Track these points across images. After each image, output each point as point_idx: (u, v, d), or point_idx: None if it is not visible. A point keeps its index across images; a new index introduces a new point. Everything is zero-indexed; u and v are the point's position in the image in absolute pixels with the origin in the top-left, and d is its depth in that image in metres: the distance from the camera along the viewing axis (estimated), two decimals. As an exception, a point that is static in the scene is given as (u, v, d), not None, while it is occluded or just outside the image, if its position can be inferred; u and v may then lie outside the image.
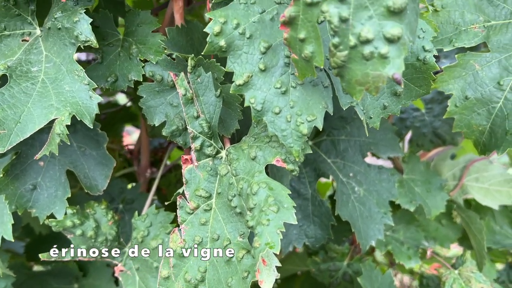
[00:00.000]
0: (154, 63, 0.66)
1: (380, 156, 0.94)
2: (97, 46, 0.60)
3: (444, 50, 0.80)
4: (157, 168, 1.03)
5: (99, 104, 0.62)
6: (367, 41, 0.43)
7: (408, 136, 1.11)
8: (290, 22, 0.47)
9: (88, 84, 0.61)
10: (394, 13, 0.43)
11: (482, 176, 1.07)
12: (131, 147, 1.09)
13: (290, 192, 0.55)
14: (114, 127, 1.13)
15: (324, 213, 0.88)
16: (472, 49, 0.80)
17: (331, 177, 0.90)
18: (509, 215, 1.13)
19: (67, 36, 0.62)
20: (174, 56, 0.67)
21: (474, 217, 1.00)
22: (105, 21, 0.71)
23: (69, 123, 0.59)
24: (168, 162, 1.10)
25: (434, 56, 0.92)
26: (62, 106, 0.61)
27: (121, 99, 1.49)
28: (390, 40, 0.43)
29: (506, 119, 0.77)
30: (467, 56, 0.79)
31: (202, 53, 0.53)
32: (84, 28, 0.60)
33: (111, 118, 1.12)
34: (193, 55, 0.62)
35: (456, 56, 0.79)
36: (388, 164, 1.11)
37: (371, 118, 0.61)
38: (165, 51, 0.65)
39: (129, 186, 1.18)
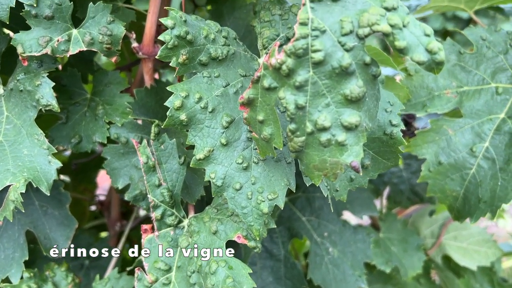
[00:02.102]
0: (120, 125, 0.65)
1: (355, 215, 0.93)
2: (59, 111, 0.59)
3: (417, 115, 0.80)
4: (127, 220, 1.00)
5: (72, 154, 0.59)
6: (324, 129, 0.42)
7: (387, 191, 1.10)
8: (249, 104, 0.46)
9: (48, 149, 0.59)
10: (352, 101, 0.42)
11: (460, 234, 1.05)
12: (102, 197, 1.06)
13: (251, 271, 0.53)
14: (87, 174, 1.11)
15: (297, 275, 0.85)
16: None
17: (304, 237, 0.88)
18: (488, 274, 1.10)
19: (29, 99, 0.60)
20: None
21: (451, 278, 0.98)
22: (72, 80, 0.69)
23: (23, 191, 0.57)
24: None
25: (409, 117, 0.92)
26: (19, 172, 0.59)
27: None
28: (348, 128, 0.42)
29: (479, 186, 0.76)
30: (440, 121, 0.78)
31: (162, 126, 0.51)
32: (45, 92, 0.59)
33: (85, 165, 1.10)
34: (157, 121, 0.60)
35: (429, 121, 0.79)
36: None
37: (337, 191, 0.59)
38: (130, 116, 0.63)
39: (103, 234, 1.15)
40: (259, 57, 0.61)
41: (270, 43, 0.60)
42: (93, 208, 1.14)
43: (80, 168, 1.06)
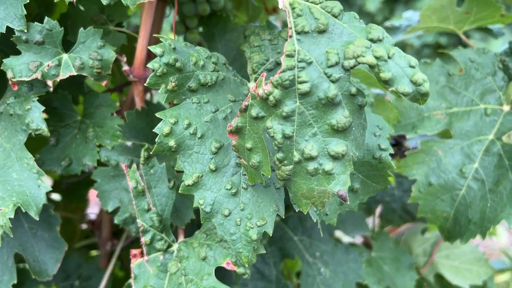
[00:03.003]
0: (110, 148, 0.65)
1: (347, 235, 0.93)
2: (49, 135, 0.59)
3: (408, 137, 0.81)
4: (118, 240, 0.99)
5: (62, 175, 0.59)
6: (311, 158, 0.42)
7: (379, 210, 1.10)
8: (237, 132, 0.47)
9: (37, 173, 0.59)
10: (338, 131, 0.42)
11: (452, 253, 1.05)
12: (93, 215, 1.05)
13: (240, 297, 0.52)
14: (78, 192, 1.10)
15: (288, 296, 0.85)
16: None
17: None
18: (481, 292, 1.10)
19: (19, 123, 0.60)
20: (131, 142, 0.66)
21: (444, 298, 0.98)
22: (63, 102, 0.70)
23: (12, 216, 0.56)
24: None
25: (400, 137, 0.93)
26: (8, 196, 0.58)
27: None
28: (335, 157, 0.43)
29: (469, 207, 0.76)
30: (430, 142, 0.79)
31: (151, 152, 0.51)
32: (35, 117, 0.59)
33: (76, 183, 1.09)
34: (146, 146, 0.60)
35: (419, 142, 0.79)
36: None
37: (327, 215, 0.59)
38: (121, 140, 0.63)
39: (93, 252, 1.14)
40: (249, 81, 0.61)
41: (259, 67, 0.60)
42: (84, 226, 1.13)
43: (71, 186, 1.06)
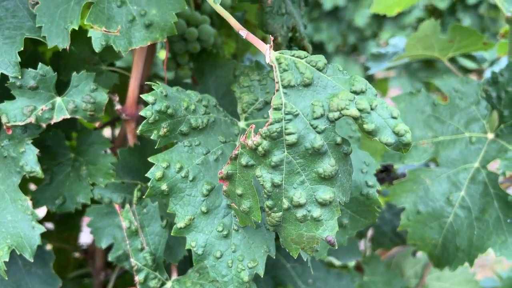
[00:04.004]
0: (103, 186, 0.66)
1: (339, 260, 0.94)
2: (43, 177, 0.60)
3: (395, 166, 0.83)
4: (112, 269, 1.00)
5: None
6: (300, 205, 0.44)
7: (370, 233, 1.11)
8: (228, 178, 0.48)
9: (31, 214, 0.60)
10: (325, 179, 0.44)
11: (443, 275, 1.06)
12: (88, 241, 1.06)
13: None
14: (71, 221, 1.10)
15: (282, 325, 0.85)
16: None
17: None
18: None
19: (13, 165, 0.61)
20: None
21: (436, 320, 0.99)
22: (56, 141, 0.71)
23: (7, 260, 0.57)
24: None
25: (389, 164, 0.95)
26: (2, 238, 0.59)
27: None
28: (323, 204, 0.44)
29: (456, 234, 0.78)
30: (417, 171, 0.81)
31: (144, 196, 0.52)
32: (29, 159, 0.60)
33: (69, 212, 1.10)
34: (139, 186, 0.62)
35: (407, 171, 0.81)
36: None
37: (317, 251, 0.60)
38: (114, 179, 0.64)
39: (87, 280, 1.14)
40: (239, 120, 0.63)
41: (249, 107, 0.62)
42: (77, 254, 1.13)
43: (64, 215, 1.06)
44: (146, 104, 0.52)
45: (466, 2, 3.38)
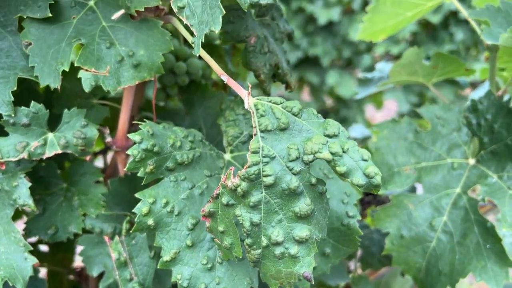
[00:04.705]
0: (94, 217, 0.68)
1: (328, 283, 0.96)
2: (35, 209, 0.62)
3: (379, 193, 0.85)
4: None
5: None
6: (278, 243, 0.46)
7: (359, 253, 1.13)
8: (210, 215, 0.50)
9: (24, 246, 0.62)
10: (302, 217, 0.46)
11: (431, 294, 1.08)
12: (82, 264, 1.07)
13: None
14: (66, 243, 1.12)
15: None
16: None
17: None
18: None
19: (6, 198, 0.63)
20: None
21: None
22: (49, 171, 0.73)
23: (-1, 291, 0.59)
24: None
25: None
26: (-5, 270, 0.61)
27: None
28: (299, 242, 0.46)
29: (439, 259, 0.80)
30: (400, 196, 0.83)
31: (131, 231, 0.55)
32: (22, 193, 0.62)
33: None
34: (128, 218, 0.64)
35: (390, 197, 0.83)
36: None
37: (297, 286, 0.63)
38: (104, 212, 0.67)
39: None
40: (225, 153, 0.65)
41: (234, 140, 0.64)
42: (71, 277, 1.15)
43: (59, 238, 1.08)
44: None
45: (458, 16, 3.43)
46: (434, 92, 1.03)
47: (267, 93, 0.66)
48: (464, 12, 0.87)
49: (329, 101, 3.99)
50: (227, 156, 0.64)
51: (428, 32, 3.58)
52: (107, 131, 0.69)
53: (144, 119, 0.57)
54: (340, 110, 3.96)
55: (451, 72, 0.99)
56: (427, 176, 0.84)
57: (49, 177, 0.73)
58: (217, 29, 0.44)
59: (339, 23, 3.78)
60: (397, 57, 3.73)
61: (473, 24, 0.86)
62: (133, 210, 0.54)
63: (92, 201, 0.69)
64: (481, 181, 0.81)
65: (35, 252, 0.76)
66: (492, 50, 0.86)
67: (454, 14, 3.37)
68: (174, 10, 0.47)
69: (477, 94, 1.16)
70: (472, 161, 0.83)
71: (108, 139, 0.69)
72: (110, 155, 0.86)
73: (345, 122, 3.95)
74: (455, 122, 0.86)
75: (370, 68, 3.67)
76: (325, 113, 4.00)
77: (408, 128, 0.86)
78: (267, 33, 0.65)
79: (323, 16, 3.62)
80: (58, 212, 0.71)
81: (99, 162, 0.99)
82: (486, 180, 0.80)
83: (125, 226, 0.63)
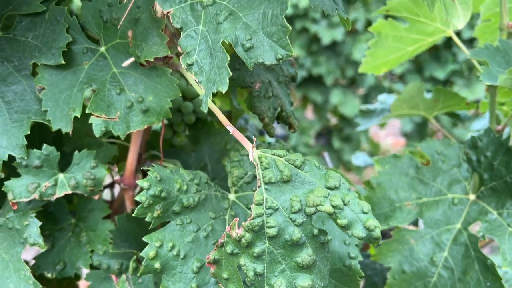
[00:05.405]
0: (101, 253, 0.70)
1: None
2: (45, 248, 0.64)
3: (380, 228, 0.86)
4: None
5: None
6: (281, 293, 0.48)
7: (362, 283, 1.14)
8: (215, 262, 0.52)
9: (33, 284, 0.64)
10: (304, 267, 0.48)
11: (433, 325, 1.08)
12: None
13: None
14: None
15: None
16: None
17: None
18: None
19: (17, 236, 0.65)
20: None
21: None
22: (58, 207, 0.75)
23: (8, 329, 0.61)
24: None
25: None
26: (5, 308, 0.63)
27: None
28: (302, 291, 0.48)
29: (440, 294, 0.81)
30: (402, 231, 0.84)
31: (138, 275, 0.56)
32: (33, 232, 0.64)
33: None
34: (135, 256, 0.65)
35: (392, 232, 0.85)
36: None
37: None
38: (111, 250, 0.68)
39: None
40: (229, 193, 0.67)
41: (239, 181, 0.66)
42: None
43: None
44: (144, 174, 0.57)
45: (461, 36, 3.46)
46: (435, 125, 1.05)
47: (271, 135, 0.68)
48: (465, 51, 0.89)
49: (333, 119, 4.01)
50: (232, 197, 0.66)
51: (431, 52, 3.61)
52: (115, 169, 0.71)
53: (153, 164, 0.59)
54: (344, 128, 3.98)
55: (452, 105, 1.01)
56: (428, 211, 0.85)
57: (58, 213, 0.75)
58: (224, 89, 0.46)
59: (342, 43, 3.81)
60: (400, 76, 3.77)
61: (474, 62, 0.88)
62: (140, 254, 0.56)
63: (99, 237, 0.71)
64: (482, 217, 0.82)
65: (41, 277, 0.78)
66: (491, 87, 0.87)
67: (457, 34, 3.41)
68: (183, 67, 0.49)
69: (477, 125, 1.18)
70: (472, 196, 0.85)
71: (116, 177, 0.71)
72: (117, 188, 0.88)
73: (348, 140, 3.97)
74: (455, 158, 0.87)
75: (373, 88, 3.71)
76: (329, 131, 4.02)
77: (410, 163, 0.87)
78: (271, 77, 0.67)
79: (327, 36, 3.66)
80: (66, 248, 0.73)
81: (106, 194, 1.01)
82: (487, 217, 0.81)
83: (132, 265, 0.65)
